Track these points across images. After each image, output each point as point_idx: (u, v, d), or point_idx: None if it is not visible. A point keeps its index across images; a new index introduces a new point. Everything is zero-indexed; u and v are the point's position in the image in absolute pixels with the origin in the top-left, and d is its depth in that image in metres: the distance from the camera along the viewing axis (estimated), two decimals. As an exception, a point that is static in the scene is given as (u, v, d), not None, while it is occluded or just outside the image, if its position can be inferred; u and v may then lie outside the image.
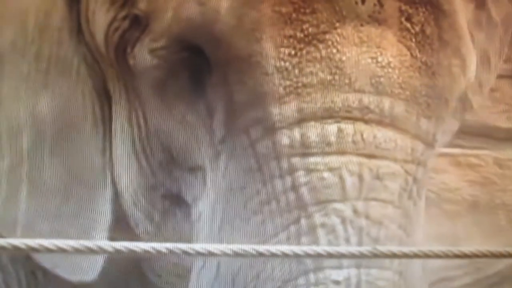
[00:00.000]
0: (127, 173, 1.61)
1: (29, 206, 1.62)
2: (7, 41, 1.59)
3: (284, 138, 1.43)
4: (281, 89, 1.45)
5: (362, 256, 1.45)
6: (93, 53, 1.60)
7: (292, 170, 1.44)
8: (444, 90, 1.52)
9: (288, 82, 1.45)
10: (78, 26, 1.62)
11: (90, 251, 1.13)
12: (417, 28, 1.50)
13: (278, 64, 1.45)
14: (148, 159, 1.58)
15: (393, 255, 1.43)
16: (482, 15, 1.76)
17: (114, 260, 1.62)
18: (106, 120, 1.62)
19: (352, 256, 1.39)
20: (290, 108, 1.44)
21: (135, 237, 1.63)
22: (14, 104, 1.62)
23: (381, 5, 1.47)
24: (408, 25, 1.49)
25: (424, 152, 1.49)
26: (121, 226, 1.63)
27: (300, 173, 1.43)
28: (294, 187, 1.44)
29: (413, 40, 1.49)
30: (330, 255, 1.33)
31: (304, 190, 1.43)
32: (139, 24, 1.54)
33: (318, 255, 1.33)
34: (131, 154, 1.60)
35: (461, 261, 3.34)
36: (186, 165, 1.54)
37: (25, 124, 1.61)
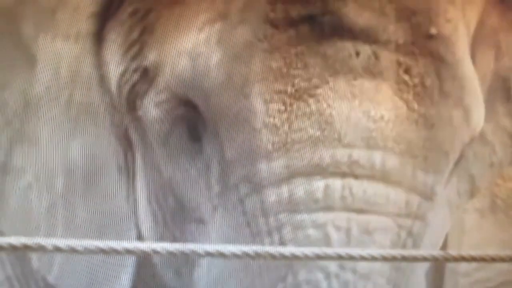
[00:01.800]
0: (146, 221, 1.60)
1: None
2: (43, 86, 1.59)
3: (271, 195, 1.42)
4: (269, 146, 1.44)
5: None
6: (114, 102, 1.58)
7: (279, 227, 1.42)
8: (444, 143, 1.49)
9: (276, 138, 1.43)
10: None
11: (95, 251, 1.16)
12: (416, 80, 1.46)
13: (266, 120, 1.43)
14: (161, 208, 1.58)
15: (462, 259, 1.44)
16: None
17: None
18: (130, 167, 1.62)
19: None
20: (278, 165, 1.43)
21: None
22: (49, 147, 1.61)
23: (377, 58, 1.44)
24: (406, 77, 1.46)
25: (422, 205, 1.46)
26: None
27: (287, 230, 1.42)
28: (281, 244, 1.42)
29: (411, 92, 1.46)
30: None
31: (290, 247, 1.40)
32: (148, 76, 1.54)
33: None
34: (148, 203, 1.59)
35: None
36: (193, 217, 1.53)
37: (59, 167, 1.61)
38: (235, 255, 1.26)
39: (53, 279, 1.63)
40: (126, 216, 1.61)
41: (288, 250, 1.31)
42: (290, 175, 1.42)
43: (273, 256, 1.27)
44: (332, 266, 1.41)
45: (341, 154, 1.42)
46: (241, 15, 1.46)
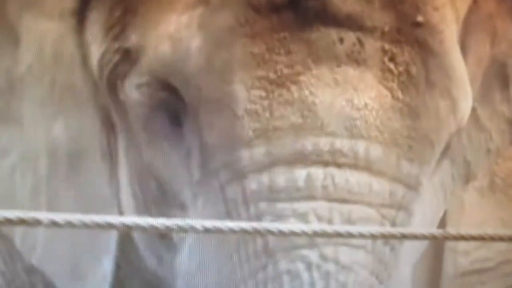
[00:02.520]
0: (129, 205, 1.59)
1: (47, 230, 1.57)
2: (27, 66, 1.56)
3: (252, 183, 1.38)
4: (250, 133, 1.39)
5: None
6: (97, 83, 1.57)
7: (260, 216, 1.38)
8: (430, 132, 1.45)
9: (258, 125, 1.38)
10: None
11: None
12: (401, 69, 1.42)
13: (248, 107, 1.39)
14: (143, 193, 1.55)
15: (462, 238, 1.44)
16: None
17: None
18: (112, 150, 1.59)
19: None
20: (259, 152, 1.38)
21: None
22: (32, 128, 1.59)
23: (362, 45, 1.40)
24: (391, 65, 1.41)
25: (406, 196, 1.42)
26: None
27: (268, 219, 1.38)
28: (265, 243, 1.38)
29: (396, 80, 1.41)
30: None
31: (270, 237, 1.37)
32: (129, 58, 1.50)
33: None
34: (130, 187, 1.58)
35: None
36: (175, 202, 1.50)
37: (42, 149, 1.58)
38: (220, 230, 1.21)
39: (36, 261, 1.63)
40: (109, 200, 1.58)
41: (274, 226, 1.28)
42: (271, 163, 1.38)
43: (248, 231, 1.25)
44: (313, 256, 1.37)
45: (324, 142, 1.37)
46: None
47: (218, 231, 1.20)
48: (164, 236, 1.53)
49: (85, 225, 1.12)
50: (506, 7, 1.67)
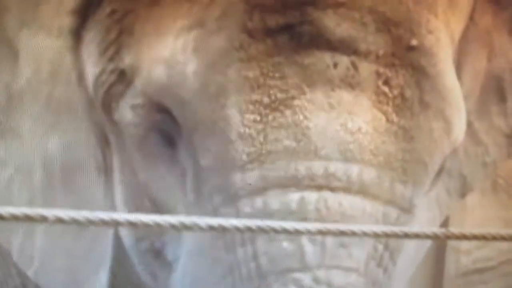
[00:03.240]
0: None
1: (44, 243, 1.62)
2: (25, 80, 1.57)
3: (246, 207, 1.37)
4: (244, 156, 1.38)
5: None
6: (92, 100, 1.58)
7: (253, 239, 1.38)
8: (424, 154, 1.44)
9: (252, 149, 1.38)
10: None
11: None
12: (396, 92, 1.41)
13: (242, 131, 1.38)
14: (139, 210, 1.53)
15: (464, 237, 1.40)
16: None
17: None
18: (108, 165, 1.60)
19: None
20: (253, 176, 1.37)
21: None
22: (28, 141, 1.59)
23: (356, 69, 1.39)
24: (386, 88, 1.41)
25: (400, 218, 1.42)
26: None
27: (261, 242, 1.37)
28: (255, 256, 1.39)
29: (390, 104, 1.41)
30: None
31: (264, 260, 1.37)
32: (124, 79, 1.50)
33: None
34: (125, 204, 1.58)
35: None
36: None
37: (38, 162, 1.59)
38: (224, 228, 1.20)
39: (33, 274, 1.63)
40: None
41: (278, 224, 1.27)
42: (265, 187, 1.37)
43: (244, 230, 1.24)
44: (306, 279, 1.36)
45: (317, 166, 1.36)
46: (218, 23, 1.40)
47: (222, 229, 1.20)
48: (158, 254, 1.54)
49: (90, 222, 1.13)
50: (502, 21, 1.68)
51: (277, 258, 1.36)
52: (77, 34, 1.55)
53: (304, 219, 1.34)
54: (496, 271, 3.64)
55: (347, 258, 1.37)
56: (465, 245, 3.48)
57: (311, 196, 1.34)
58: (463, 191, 1.77)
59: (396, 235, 1.32)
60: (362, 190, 1.37)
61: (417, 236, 1.38)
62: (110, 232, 1.57)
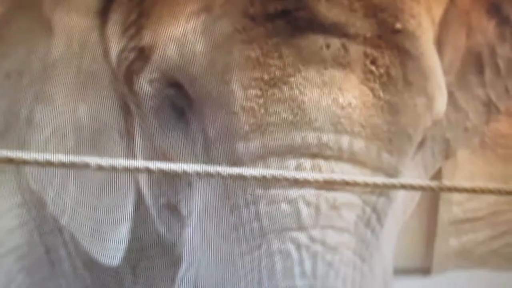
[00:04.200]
0: (144, 182, 1.69)
1: (75, 195, 1.69)
2: (58, 54, 1.66)
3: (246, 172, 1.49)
4: (246, 127, 1.47)
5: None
6: (115, 73, 1.66)
7: (255, 201, 1.47)
8: (408, 127, 1.53)
9: (253, 121, 1.47)
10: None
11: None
12: (382, 70, 1.50)
13: (244, 104, 1.47)
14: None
15: (455, 189, 1.54)
16: (506, 29, 1.82)
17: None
18: (129, 131, 1.70)
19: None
20: (254, 145, 1.47)
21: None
22: (61, 108, 1.70)
23: (346, 50, 1.48)
24: (373, 67, 1.49)
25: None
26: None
27: (262, 203, 1.46)
28: (257, 216, 1.48)
29: (377, 81, 1.49)
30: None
31: (265, 220, 1.46)
32: (143, 55, 1.60)
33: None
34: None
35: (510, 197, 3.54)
36: (183, 181, 1.60)
37: (70, 127, 1.70)
38: (232, 176, 1.38)
39: (65, 222, 1.73)
40: (126, 176, 1.69)
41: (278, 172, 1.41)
42: (265, 154, 1.47)
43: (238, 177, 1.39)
44: (303, 238, 1.45)
45: (311, 136, 1.46)
46: (223, 8, 1.50)
47: (241, 177, 1.39)
48: (173, 210, 1.65)
49: (126, 169, 1.29)
50: (480, 3, 1.76)
51: (277, 218, 1.46)
52: (103, 15, 1.66)
53: (300, 184, 1.47)
54: (484, 221, 3.82)
55: (339, 219, 1.47)
56: (456, 197, 3.63)
57: (306, 163, 1.45)
58: (447, 154, 1.86)
59: (394, 186, 1.49)
60: (351, 158, 1.47)
61: (413, 187, 1.50)
62: (132, 189, 1.67)
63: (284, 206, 1.46)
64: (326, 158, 1.46)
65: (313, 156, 1.46)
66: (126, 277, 1.88)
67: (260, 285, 1.47)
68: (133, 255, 1.79)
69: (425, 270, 3.81)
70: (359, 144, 1.48)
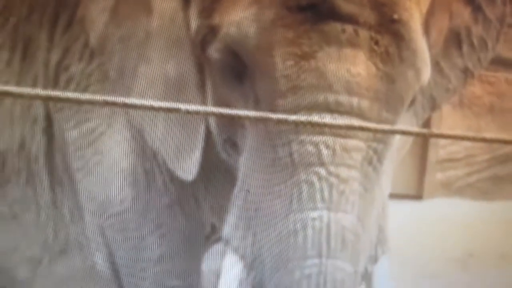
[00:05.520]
0: (211, 120, 1.98)
1: (163, 132, 2.01)
2: (154, 26, 1.99)
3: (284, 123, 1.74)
4: (284, 88, 1.74)
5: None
6: (194, 43, 1.95)
7: (289, 143, 1.74)
8: (401, 92, 1.78)
9: (289, 85, 1.73)
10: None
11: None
12: (382, 49, 1.75)
13: (283, 72, 1.74)
14: (219, 118, 1.96)
15: (442, 136, 1.81)
16: (478, 15, 2.09)
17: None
18: (204, 86, 1.97)
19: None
20: (289, 102, 1.74)
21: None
22: (155, 66, 1.99)
23: (357, 34, 1.73)
24: (376, 47, 1.75)
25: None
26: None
27: (294, 144, 1.73)
28: (290, 154, 1.73)
29: (379, 58, 1.75)
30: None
31: (295, 157, 1.72)
32: (213, 31, 1.86)
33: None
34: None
35: (483, 144, 4.20)
36: (239, 123, 1.89)
37: (160, 80, 1.99)
38: (280, 121, 1.61)
39: (156, 148, 2.03)
40: (200, 118, 1.99)
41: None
42: (297, 109, 1.73)
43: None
44: (323, 172, 1.70)
45: (330, 97, 1.72)
46: (269, 2, 1.76)
47: (286, 121, 1.61)
48: (233, 143, 1.91)
49: (197, 112, 1.56)
50: None
51: (304, 155, 1.72)
52: (185, 0, 1.97)
53: (322, 132, 1.72)
54: (462, 162, 4.43)
55: (349, 159, 1.72)
56: (442, 142, 4.27)
57: (327, 117, 1.72)
58: (433, 107, 2.16)
59: (393, 131, 1.75)
60: (359, 114, 1.73)
61: (407, 133, 1.82)
62: (203, 126, 1.97)
63: (309, 147, 1.71)
64: (341, 113, 1.72)
65: (332, 111, 1.72)
66: (199, 192, 2.19)
67: (291, 205, 1.71)
68: (203, 174, 2.03)
69: (417, 197, 4.57)
70: (365, 104, 1.73)
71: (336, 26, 1.72)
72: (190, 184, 2.05)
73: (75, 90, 2.12)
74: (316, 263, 1.66)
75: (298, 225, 1.68)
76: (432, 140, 4.54)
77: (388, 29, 1.74)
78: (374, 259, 1.81)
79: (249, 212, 1.80)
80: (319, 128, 1.71)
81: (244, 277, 1.77)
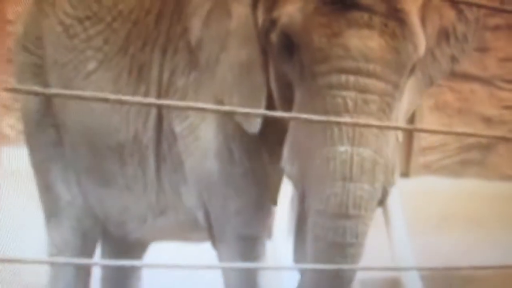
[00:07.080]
0: (273, 85, 2.42)
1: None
2: (233, 26, 2.42)
3: (321, 81, 2.13)
4: (319, 58, 2.14)
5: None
6: (260, 34, 2.38)
7: (324, 97, 2.13)
8: (405, 62, 2.17)
9: (323, 55, 2.14)
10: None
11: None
12: (390, 30, 2.13)
13: (319, 46, 2.14)
14: (279, 88, 2.36)
15: (423, 130, 3.15)
16: (461, 16, 2.51)
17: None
18: (267, 67, 2.37)
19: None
20: (323, 67, 2.13)
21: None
22: (233, 53, 2.42)
23: (371, 19, 2.12)
24: (385, 28, 2.13)
25: (394, 89, 2.15)
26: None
27: (328, 97, 2.12)
28: (326, 106, 2.12)
29: (388, 36, 2.13)
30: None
31: (330, 107, 2.12)
32: (274, 23, 2.27)
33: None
34: (273, 85, 2.39)
35: (453, 136, 5.80)
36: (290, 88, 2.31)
37: (226, 63, 2.43)
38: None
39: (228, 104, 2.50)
40: (262, 87, 2.40)
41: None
42: (330, 70, 2.12)
43: None
44: (348, 117, 2.09)
45: (352, 64, 2.11)
46: None
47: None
48: (288, 99, 2.27)
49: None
50: (446, 3, 2.46)
51: (335, 106, 2.12)
52: (254, 5, 2.38)
53: (347, 88, 2.11)
54: (438, 149, 5.44)
55: (368, 108, 2.10)
56: (423, 134, 5.51)
57: (351, 77, 2.11)
58: (430, 84, 2.55)
59: (388, 127, 2.12)
60: (375, 75, 2.11)
61: (399, 128, 2.25)
62: (265, 91, 2.40)
63: (339, 99, 2.11)
64: (361, 74, 2.11)
65: (354, 73, 2.11)
66: (264, 159, 2.58)
67: (325, 142, 2.10)
68: (262, 128, 2.42)
69: (406, 175, 6.21)
70: (378, 68, 2.11)
71: (357, 14, 2.13)
72: (257, 155, 2.56)
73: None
74: (342, 184, 2.08)
75: (330, 156, 2.10)
76: (416, 133, 5.77)
77: (394, 15, 2.14)
78: (392, 182, 2.21)
79: (296, 146, 2.23)
80: (346, 85, 2.10)
81: (294, 193, 2.24)
